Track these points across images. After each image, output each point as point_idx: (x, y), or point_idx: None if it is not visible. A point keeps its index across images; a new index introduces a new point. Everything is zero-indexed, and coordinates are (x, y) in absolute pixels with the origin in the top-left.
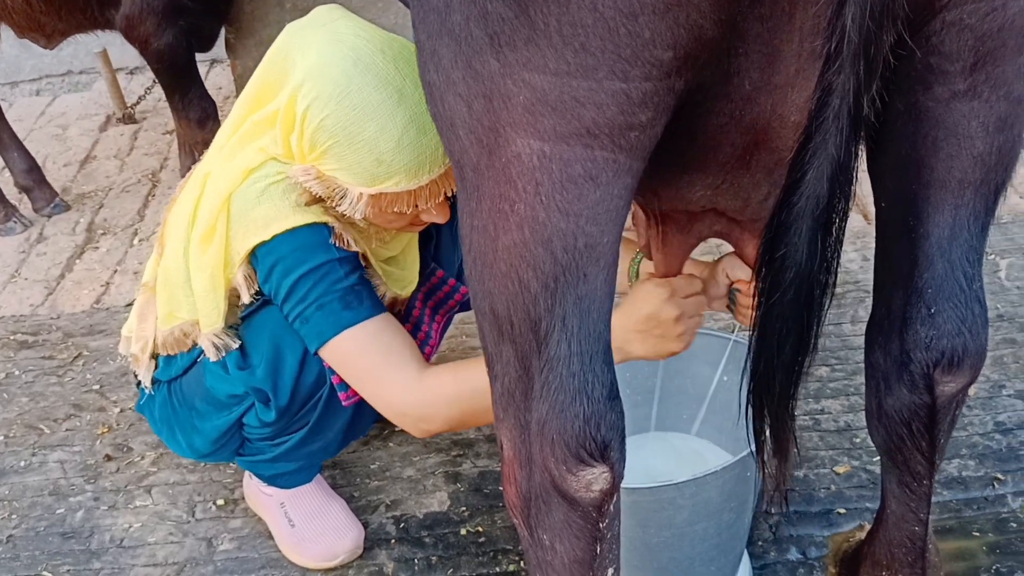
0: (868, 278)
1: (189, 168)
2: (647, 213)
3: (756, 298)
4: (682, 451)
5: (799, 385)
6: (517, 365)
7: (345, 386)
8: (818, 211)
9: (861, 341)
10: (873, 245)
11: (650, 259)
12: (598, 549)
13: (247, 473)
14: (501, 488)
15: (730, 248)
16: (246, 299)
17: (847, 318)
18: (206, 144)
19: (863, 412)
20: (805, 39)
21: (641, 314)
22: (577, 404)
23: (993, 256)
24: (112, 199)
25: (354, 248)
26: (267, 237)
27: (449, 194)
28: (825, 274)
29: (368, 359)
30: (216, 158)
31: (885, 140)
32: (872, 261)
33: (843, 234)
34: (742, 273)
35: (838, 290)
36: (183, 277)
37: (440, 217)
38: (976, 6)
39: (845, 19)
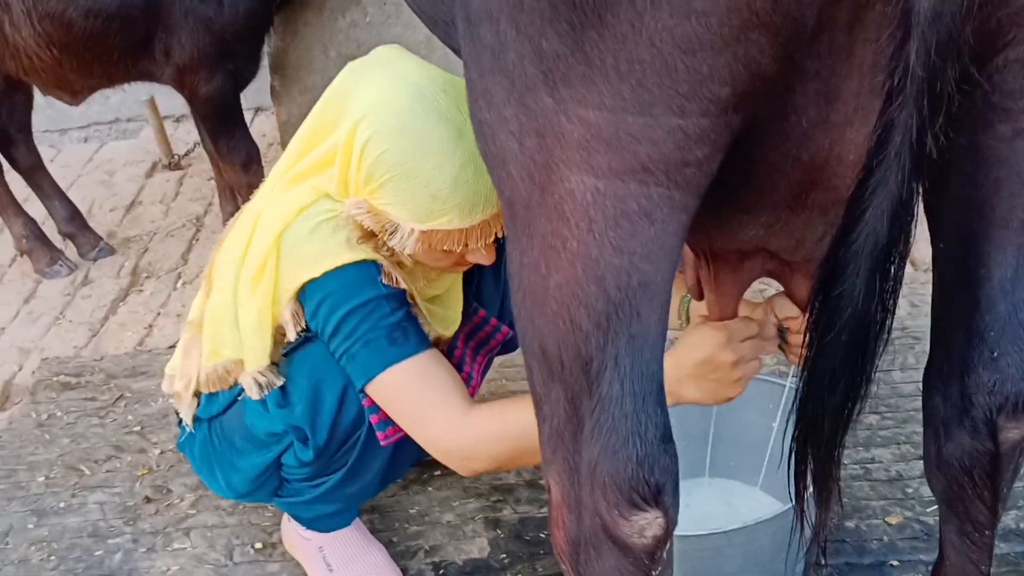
0: (917, 324)
1: (231, 214)
2: (696, 253)
3: (808, 339)
4: (734, 498)
5: (847, 431)
6: (567, 406)
7: (384, 425)
8: (877, 251)
9: (911, 388)
10: (921, 291)
11: (698, 299)
12: None
13: (285, 516)
14: (543, 535)
15: (777, 287)
16: (292, 336)
17: (896, 365)
18: (250, 188)
19: (915, 461)
20: (865, 76)
21: (697, 358)
22: (630, 446)
23: None
24: (156, 243)
25: (402, 285)
26: (317, 274)
27: (499, 235)
28: (881, 316)
29: (414, 395)
30: (268, 197)
31: (944, 179)
32: (920, 307)
33: (902, 275)
34: (791, 311)
35: None
36: (230, 315)
37: (487, 259)
38: None
39: (908, 54)
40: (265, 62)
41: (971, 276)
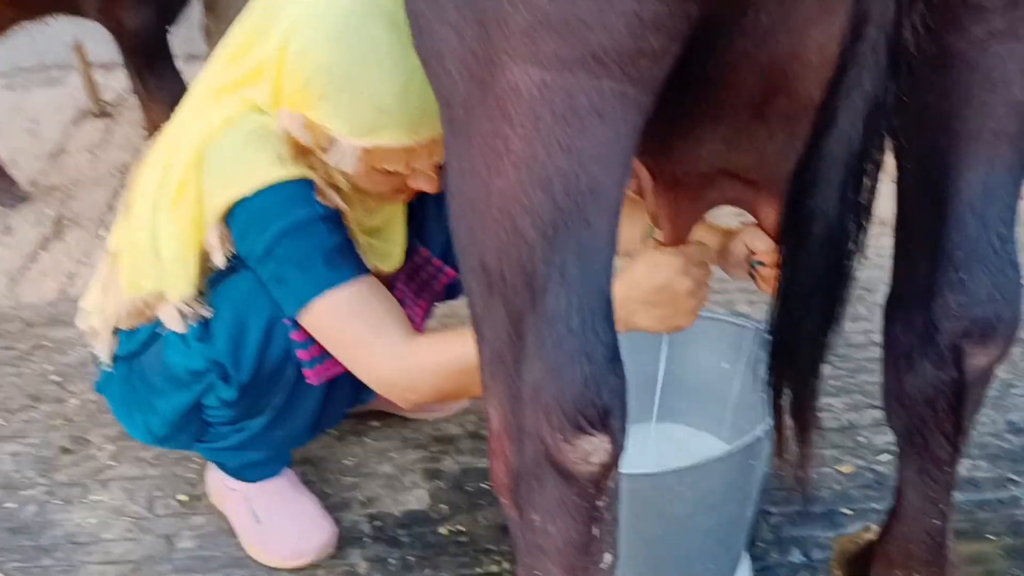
0: (867, 276)
1: None
2: (654, 177)
3: (779, 259)
4: (684, 443)
5: (825, 357)
6: (508, 326)
7: (313, 363)
8: (850, 159)
9: (862, 338)
10: (872, 242)
11: (654, 222)
12: (595, 531)
13: (211, 466)
14: (484, 485)
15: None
16: (219, 262)
17: (847, 315)
18: None
19: (866, 410)
20: None
21: (652, 284)
22: (576, 366)
23: None
24: (82, 192)
25: (339, 206)
26: (246, 192)
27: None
28: (856, 230)
29: (351, 323)
30: (191, 111)
31: (910, 91)
32: (871, 259)
33: (877, 185)
34: (762, 244)
35: None
36: (150, 242)
37: (429, 185)
38: None
39: None
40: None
41: (938, 195)
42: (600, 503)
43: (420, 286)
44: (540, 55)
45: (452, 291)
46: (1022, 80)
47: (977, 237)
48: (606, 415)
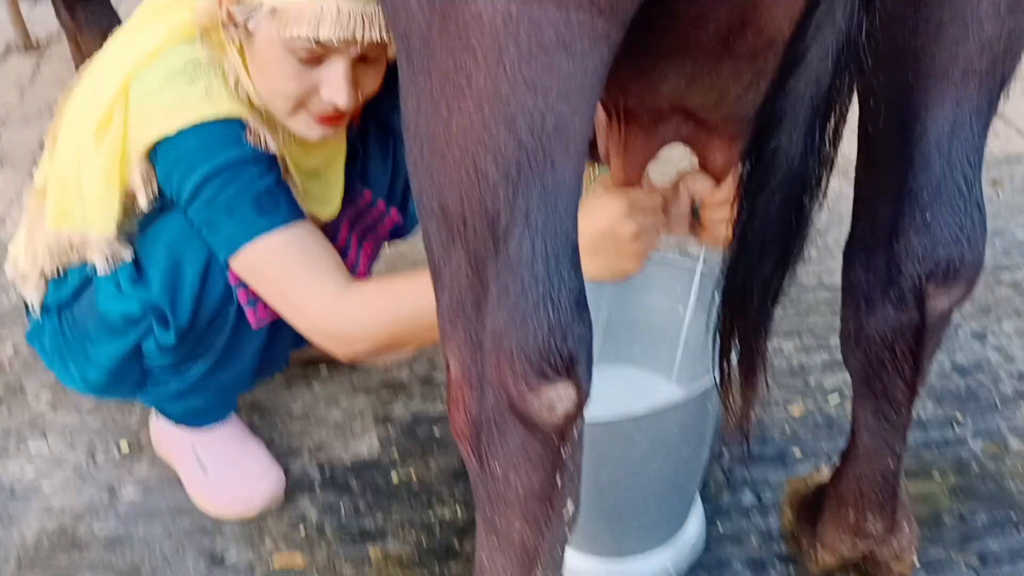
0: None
1: None
2: (608, 113)
3: (737, 200)
4: (633, 384)
5: (777, 303)
6: (469, 271)
7: (254, 302)
8: (818, 98)
9: (812, 281)
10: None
11: (604, 160)
12: (558, 480)
13: (153, 412)
14: (437, 431)
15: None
16: (143, 203)
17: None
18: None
19: (816, 352)
20: None
21: (596, 229)
22: (541, 311)
23: None
24: (10, 130)
25: (271, 147)
26: (171, 130)
27: (360, 52)
28: (818, 174)
29: (286, 270)
30: (119, 37)
31: (880, 27)
32: (823, 200)
33: (843, 128)
34: (705, 186)
35: None
36: (75, 177)
37: (340, 92)
38: None
39: None
40: None
41: (903, 134)
42: (564, 452)
43: (364, 230)
44: None
45: (397, 233)
46: (994, 16)
47: (943, 177)
48: (571, 362)
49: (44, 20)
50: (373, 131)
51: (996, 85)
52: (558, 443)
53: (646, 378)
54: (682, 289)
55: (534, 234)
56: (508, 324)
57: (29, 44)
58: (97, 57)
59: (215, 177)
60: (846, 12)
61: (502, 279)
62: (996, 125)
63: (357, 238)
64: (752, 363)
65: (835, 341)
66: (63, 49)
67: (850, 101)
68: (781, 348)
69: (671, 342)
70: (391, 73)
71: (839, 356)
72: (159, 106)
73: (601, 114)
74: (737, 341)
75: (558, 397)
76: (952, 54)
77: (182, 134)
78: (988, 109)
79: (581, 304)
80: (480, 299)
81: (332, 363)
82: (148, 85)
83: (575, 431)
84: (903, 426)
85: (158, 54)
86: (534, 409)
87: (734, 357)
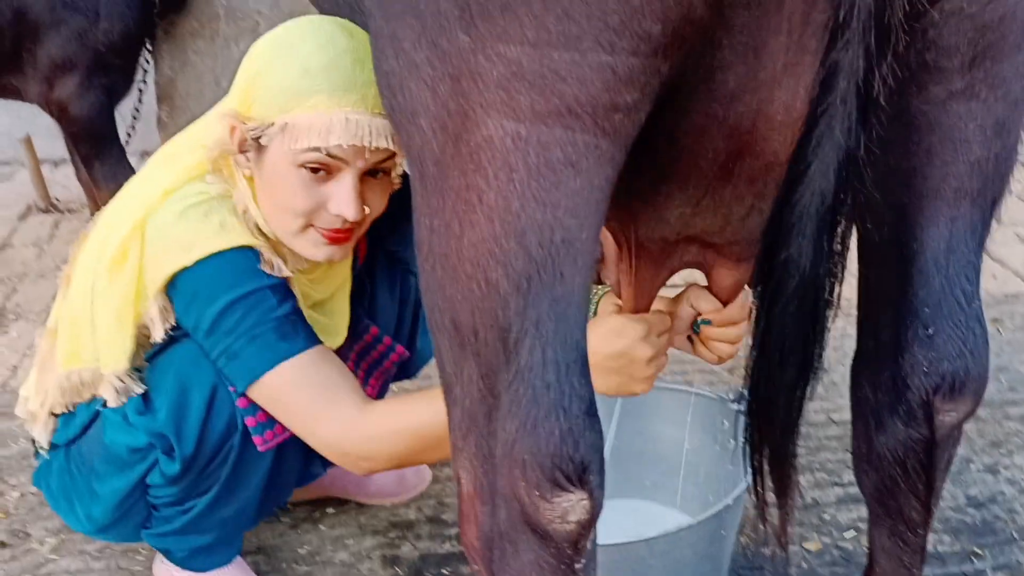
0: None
1: None
2: (620, 244)
3: (755, 312)
4: (646, 517)
5: (803, 410)
6: (481, 383)
7: (262, 428)
8: (823, 209)
9: (822, 418)
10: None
11: (617, 296)
12: None
13: (158, 557)
14: (445, 571)
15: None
16: (158, 336)
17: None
18: None
19: (830, 488)
20: (794, 31)
21: (613, 349)
22: (552, 419)
23: None
24: (27, 285)
25: (285, 272)
26: (189, 262)
27: (367, 166)
28: (830, 282)
29: (306, 393)
30: (131, 185)
31: (873, 150)
32: (829, 342)
33: (849, 236)
34: (708, 304)
35: None
36: (87, 315)
37: (348, 205)
38: None
39: None
40: (152, 93)
41: (903, 252)
42: (578, 565)
43: (371, 364)
44: (515, 108)
45: (404, 370)
46: (982, 139)
47: (943, 293)
48: (584, 470)
49: (64, 184)
50: (381, 266)
51: (987, 204)
52: (572, 555)
53: (656, 510)
54: (689, 419)
55: (544, 343)
56: (520, 432)
57: (49, 205)
58: (111, 203)
59: (236, 306)
60: (844, 128)
61: (513, 388)
62: (994, 268)
63: (365, 372)
64: (785, 471)
65: (848, 477)
66: (82, 211)
67: (854, 214)
68: None
69: (679, 472)
70: (398, 204)
71: (853, 491)
72: (176, 240)
73: (612, 247)
74: (767, 451)
75: (571, 506)
76: (944, 175)
77: (200, 264)
78: (982, 227)
79: (592, 412)
80: (491, 411)
81: (339, 503)
82: (164, 221)
83: (588, 543)
84: (920, 548)
85: (172, 192)
86: (547, 518)
87: (765, 472)
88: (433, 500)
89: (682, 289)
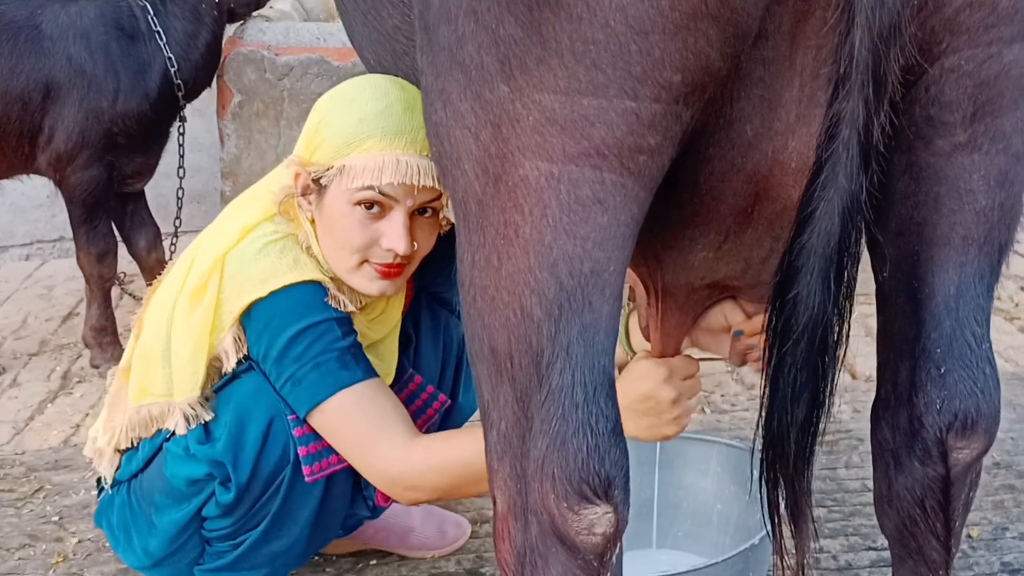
0: (859, 427)
1: (99, 304)
2: (648, 291)
3: (767, 350)
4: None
5: (815, 447)
6: (515, 406)
7: (311, 459)
8: (829, 250)
9: (857, 484)
10: (863, 399)
11: (647, 338)
12: None
13: None
14: None
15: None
16: (230, 365)
17: (841, 463)
18: (103, 279)
19: (863, 552)
20: (806, 85)
21: (638, 393)
22: (580, 436)
23: None
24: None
25: (349, 308)
26: (263, 294)
27: (416, 205)
28: (838, 320)
29: (362, 421)
30: (209, 231)
31: (885, 203)
32: (862, 412)
33: (855, 275)
34: (738, 316)
35: (829, 437)
36: (162, 348)
37: (399, 240)
38: (973, 52)
39: (854, 40)
40: (216, 169)
41: (915, 298)
42: None
43: (415, 413)
44: (548, 150)
45: (446, 419)
46: (986, 189)
47: (953, 335)
48: (609, 485)
49: (130, 258)
50: (425, 319)
51: (995, 250)
52: (598, 567)
53: (689, 560)
54: (722, 469)
55: (574, 367)
56: (550, 448)
57: (117, 280)
58: (191, 245)
59: (304, 335)
60: (848, 173)
61: (545, 408)
62: None
63: None
64: (799, 507)
65: (882, 541)
66: (140, 282)
67: (860, 255)
68: (828, 548)
69: (712, 524)
70: (444, 249)
71: (886, 554)
72: (254, 275)
73: (642, 294)
74: (781, 489)
75: (597, 519)
76: (951, 223)
77: (274, 296)
78: (990, 273)
79: (617, 432)
80: (525, 434)
81: (381, 555)
82: (243, 256)
83: (614, 557)
84: None
85: (250, 231)
86: (574, 530)
87: (781, 503)
88: (473, 554)
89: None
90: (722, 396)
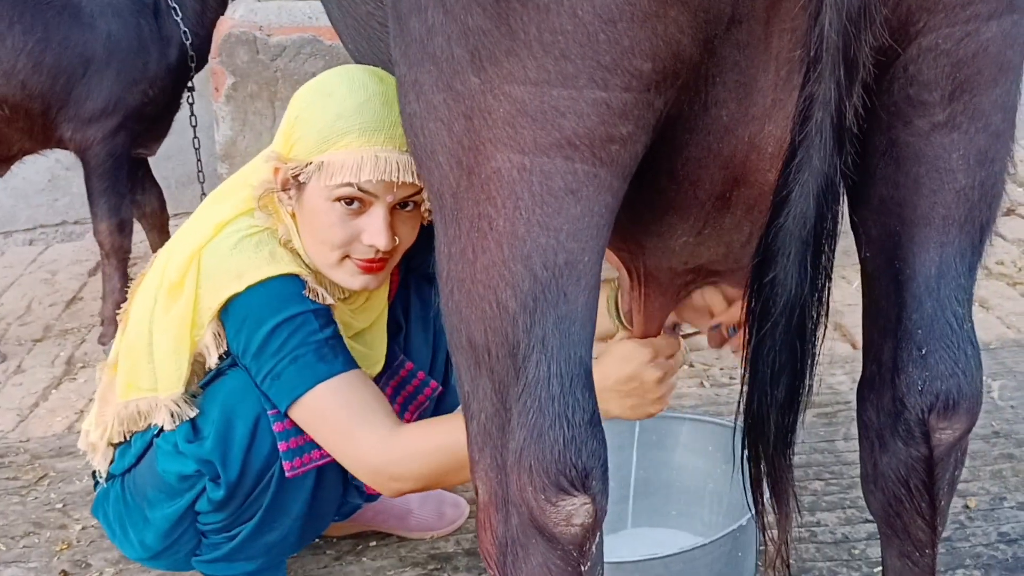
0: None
1: (120, 277)
2: (631, 275)
3: (746, 331)
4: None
5: (796, 427)
6: (494, 398)
7: (291, 455)
8: (805, 232)
9: (854, 456)
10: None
11: (630, 323)
12: None
13: None
14: None
15: None
16: (213, 360)
17: (839, 435)
18: (122, 251)
19: (860, 524)
20: (781, 69)
21: (622, 374)
22: (557, 428)
23: (986, 378)
24: (95, 335)
25: (327, 301)
26: (240, 289)
27: (396, 200)
28: (817, 301)
29: (342, 413)
30: (187, 225)
31: (865, 184)
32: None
33: (832, 257)
34: (719, 304)
35: (828, 409)
36: (146, 343)
37: (380, 235)
38: (951, 31)
39: (823, 23)
40: (213, 151)
41: (897, 278)
42: (583, 568)
43: (406, 399)
44: (520, 141)
45: (438, 404)
46: (966, 169)
47: (935, 316)
48: (586, 476)
49: (133, 240)
50: (415, 306)
51: (976, 230)
52: (577, 558)
53: (682, 539)
54: (708, 447)
55: (550, 358)
56: (527, 440)
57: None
58: (166, 244)
59: (281, 329)
60: (822, 156)
61: (522, 400)
62: None
63: (399, 406)
64: (781, 487)
65: None
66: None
67: (836, 235)
68: (825, 521)
69: (705, 503)
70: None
71: None
72: (230, 269)
73: (627, 279)
74: (763, 467)
75: (575, 510)
76: (932, 203)
77: (250, 291)
78: (971, 252)
79: (595, 423)
80: (504, 425)
81: (380, 536)
82: (218, 251)
83: (593, 547)
84: (929, 567)
85: (225, 225)
86: (552, 521)
87: (764, 484)
88: (471, 534)
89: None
90: (721, 369)
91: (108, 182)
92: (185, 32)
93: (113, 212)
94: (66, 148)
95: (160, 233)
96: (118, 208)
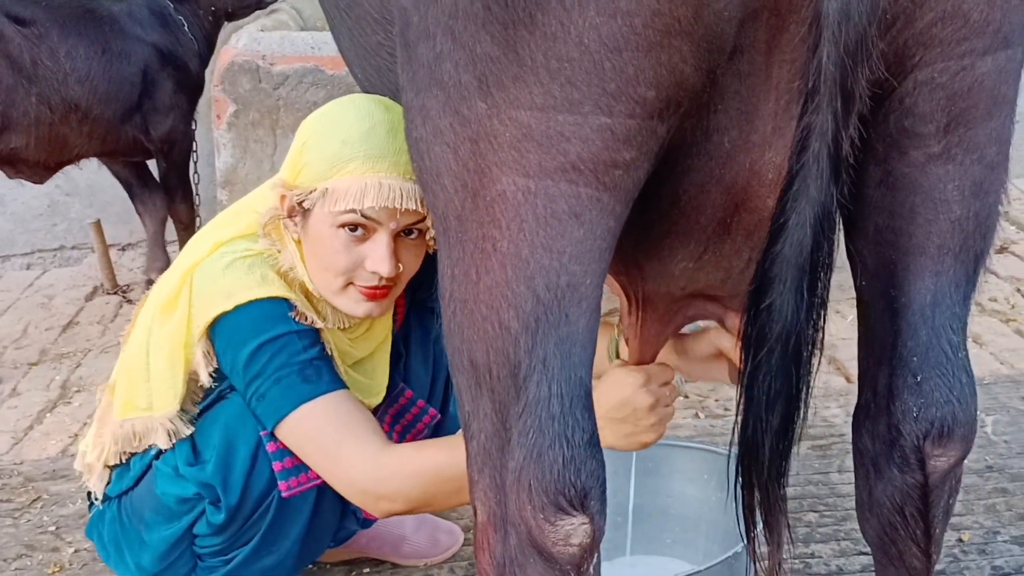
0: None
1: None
2: (629, 299)
3: (742, 358)
4: (667, 574)
5: (790, 455)
6: (494, 418)
7: (287, 474)
8: (802, 260)
9: (848, 489)
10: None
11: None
12: None
13: None
14: None
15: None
16: (204, 378)
17: (834, 468)
18: (192, 221)
19: (854, 556)
20: (782, 97)
21: (614, 400)
22: (556, 448)
23: (980, 413)
24: (90, 360)
25: (316, 324)
26: (228, 308)
27: (400, 227)
28: (812, 329)
29: (328, 434)
30: (187, 247)
31: (862, 214)
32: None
33: (828, 285)
34: (728, 342)
35: (822, 442)
36: (143, 362)
37: (383, 262)
38: (946, 65)
39: (821, 56)
40: (213, 178)
41: (892, 307)
42: None
43: (405, 427)
44: (525, 165)
45: (436, 431)
46: (961, 199)
47: (929, 344)
48: (585, 496)
49: (130, 267)
50: (415, 334)
51: (970, 260)
52: None
53: (677, 567)
54: (709, 476)
55: (551, 379)
56: (527, 460)
57: (115, 287)
58: (168, 269)
59: (264, 349)
60: (819, 185)
61: (522, 420)
62: None
63: (398, 435)
64: (774, 516)
65: None
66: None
67: (832, 264)
68: (818, 552)
69: (701, 531)
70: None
71: None
72: (221, 289)
73: (625, 304)
74: (756, 493)
75: (573, 530)
76: (927, 233)
77: (238, 310)
78: (966, 282)
79: (594, 443)
80: (504, 445)
81: (375, 563)
82: (211, 271)
83: (591, 567)
84: None
85: (220, 246)
86: (551, 541)
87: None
88: (465, 562)
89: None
90: (716, 401)
91: (182, 169)
92: (197, 44)
93: (188, 193)
94: (136, 152)
95: (187, 228)
96: (189, 192)
